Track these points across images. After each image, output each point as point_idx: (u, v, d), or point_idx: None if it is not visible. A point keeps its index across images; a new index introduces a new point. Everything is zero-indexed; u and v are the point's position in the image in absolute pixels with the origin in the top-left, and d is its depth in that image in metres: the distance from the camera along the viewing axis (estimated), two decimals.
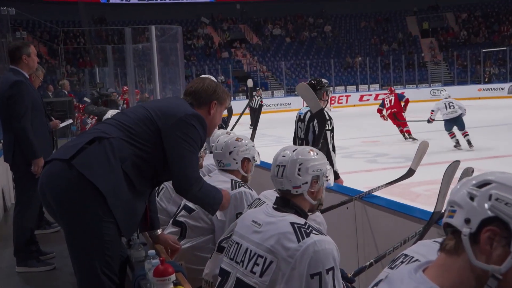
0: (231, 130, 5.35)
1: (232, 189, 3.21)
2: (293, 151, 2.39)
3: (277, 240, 2.20)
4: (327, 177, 2.48)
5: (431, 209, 3.22)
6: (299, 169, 2.34)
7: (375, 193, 3.92)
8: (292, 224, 2.23)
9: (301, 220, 2.28)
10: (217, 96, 2.89)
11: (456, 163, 3.01)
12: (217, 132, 4.38)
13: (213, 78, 6.48)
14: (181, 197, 3.27)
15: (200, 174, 4.15)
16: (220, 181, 3.31)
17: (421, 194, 7.70)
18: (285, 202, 2.36)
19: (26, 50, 4.57)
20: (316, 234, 2.20)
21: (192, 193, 2.76)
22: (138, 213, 2.70)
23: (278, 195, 2.43)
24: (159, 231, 3.06)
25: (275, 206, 2.38)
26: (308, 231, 2.20)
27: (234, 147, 3.42)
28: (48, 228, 5.73)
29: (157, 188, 3.47)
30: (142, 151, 2.62)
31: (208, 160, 4.40)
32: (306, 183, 2.36)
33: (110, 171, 2.51)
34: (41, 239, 5.04)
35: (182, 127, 2.65)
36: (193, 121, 2.68)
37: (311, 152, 2.41)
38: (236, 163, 3.42)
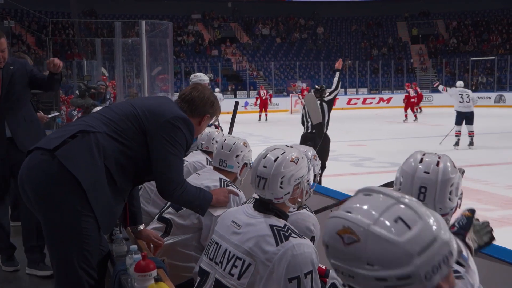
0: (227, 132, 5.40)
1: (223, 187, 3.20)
2: (274, 160, 2.29)
3: (256, 243, 2.18)
4: (308, 180, 2.44)
5: None
6: (281, 182, 2.27)
7: None
8: (272, 226, 2.21)
9: (281, 223, 2.25)
10: (213, 110, 2.90)
11: None
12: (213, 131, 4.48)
13: (206, 78, 6.46)
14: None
15: (187, 170, 4.16)
16: (209, 179, 3.30)
17: None
18: (265, 205, 2.32)
19: None
20: (295, 237, 2.17)
21: (174, 196, 2.73)
22: (116, 210, 2.67)
23: (257, 197, 2.40)
24: (142, 227, 3.03)
25: (255, 207, 2.35)
26: (287, 234, 2.17)
27: (241, 151, 3.44)
28: None
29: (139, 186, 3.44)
30: (127, 148, 2.59)
31: (194, 157, 4.37)
32: (288, 193, 2.31)
33: (92, 165, 2.48)
34: (20, 231, 4.97)
35: (169, 129, 2.62)
36: (180, 124, 2.66)
37: (293, 160, 2.31)
38: (238, 166, 3.44)
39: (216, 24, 43.14)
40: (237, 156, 3.41)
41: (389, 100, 34.05)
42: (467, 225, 1.99)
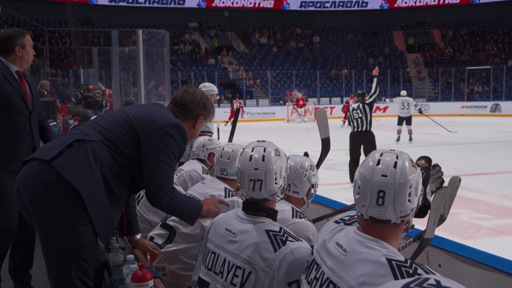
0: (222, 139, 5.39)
1: (225, 197, 3.19)
2: (262, 160, 2.31)
3: (254, 250, 2.18)
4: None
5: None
6: (275, 178, 2.31)
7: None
8: (268, 232, 2.21)
9: (276, 226, 2.26)
10: (206, 111, 2.88)
11: (445, 190, 3.00)
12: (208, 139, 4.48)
13: (215, 89, 6.42)
14: None
15: (183, 178, 4.15)
16: (214, 188, 3.29)
17: None
18: (255, 206, 2.33)
19: (21, 40, 3.92)
20: (292, 241, 2.18)
21: (162, 203, 2.71)
22: (114, 219, 2.67)
23: (244, 200, 2.39)
24: (138, 236, 3.02)
25: (244, 209, 2.35)
26: (284, 239, 2.18)
27: None
28: None
29: (136, 195, 3.43)
30: (121, 156, 2.59)
31: (190, 166, 4.37)
32: (280, 186, 2.35)
33: (90, 174, 2.48)
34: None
35: (161, 136, 2.62)
36: (173, 131, 2.65)
37: (276, 154, 2.35)
38: None
39: (212, 33, 43.22)
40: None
41: (385, 109, 34.10)
42: (425, 179, 1.93)
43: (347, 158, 13.55)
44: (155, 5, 41.93)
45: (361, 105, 9.83)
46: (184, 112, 2.81)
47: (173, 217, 3.19)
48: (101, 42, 35.51)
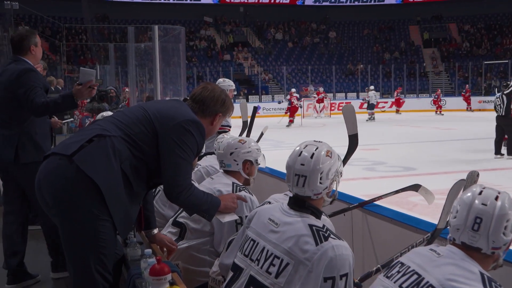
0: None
1: (232, 193, 3.17)
2: (311, 157, 2.29)
3: (295, 242, 2.18)
4: (341, 172, 2.44)
5: (427, 218, 3.19)
6: (320, 178, 2.29)
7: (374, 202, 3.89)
8: (311, 226, 2.21)
9: (319, 223, 2.26)
10: (224, 108, 2.87)
11: (461, 182, 2.98)
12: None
13: (232, 84, 6.41)
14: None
15: (200, 174, 4.16)
16: (221, 183, 3.27)
17: (418, 204, 7.67)
18: (301, 203, 2.32)
19: (34, 39, 4.11)
20: (334, 238, 2.18)
21: (180, 199, 2.71)
22: (133, 214, 2.69)
23: (291, 196, 2.38)
24: (156, 231, 3.04)
25: (290, 205, 2.35)
26: (326, 235, 2.18)
27: (236, 148, 3.37)
28: None
29: (153, 190, 3.44)
30: (140, 151, 2.60)
31: (207, 162, 4.37)
32: (326, 187, 2.33)
33: (110, 169, 2.50)
34: (36, 235, 4.97)
35: (179, 132, 2.62)
36: (191, 128, 2.65)
37: (328, 154, 2.33)
38: (237, 164, 3.37)
39: (228, 29, 43.24)
40: (231, 153, 3.36)
41: (401, 104, 33.95)
42: None
43: (363, 153, 13.54)
44: (171, 1, 42.03)
45: (501, 94, 12.50)
46: (203, 109, 2.81)
47: (183, 214, 3.21)
48: (117, 38, 35.70)
